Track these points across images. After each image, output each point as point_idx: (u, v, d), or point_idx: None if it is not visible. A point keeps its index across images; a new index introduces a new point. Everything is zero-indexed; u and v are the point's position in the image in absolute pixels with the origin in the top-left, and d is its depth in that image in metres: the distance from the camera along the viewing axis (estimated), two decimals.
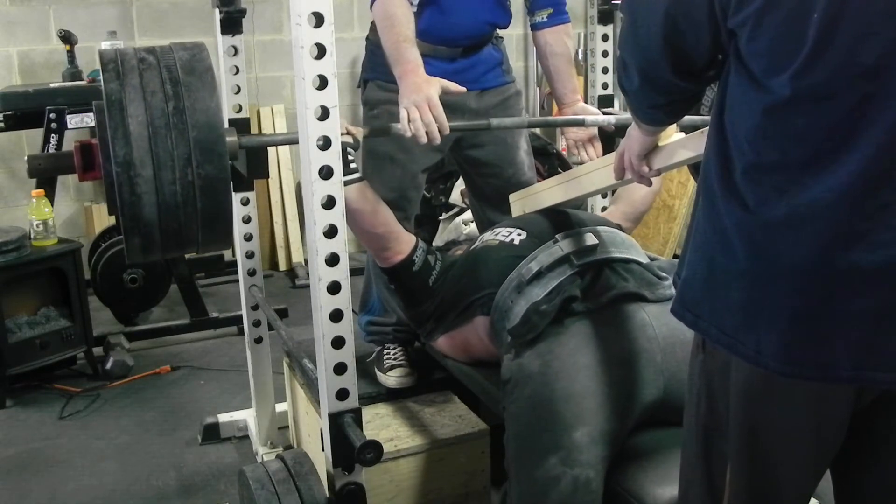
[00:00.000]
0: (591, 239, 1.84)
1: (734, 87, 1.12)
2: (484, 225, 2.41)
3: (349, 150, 1.83)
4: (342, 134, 1.79)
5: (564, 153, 4.68)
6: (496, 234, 1.99)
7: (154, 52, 1.67)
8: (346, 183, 1.80)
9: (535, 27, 2.29)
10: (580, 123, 2.16)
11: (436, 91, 1.81)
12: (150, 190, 1.58)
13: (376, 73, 2.20)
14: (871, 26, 0.96)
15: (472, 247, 2.03)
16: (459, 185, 4.33)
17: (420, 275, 1.98)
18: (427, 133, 1.79)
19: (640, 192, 2.17)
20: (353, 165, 1.85)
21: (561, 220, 1.99)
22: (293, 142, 1.69)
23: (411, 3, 2.03)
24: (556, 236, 1.86)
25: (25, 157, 1.83)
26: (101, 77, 1.62)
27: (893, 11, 0.95)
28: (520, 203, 2.20)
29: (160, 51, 1.68)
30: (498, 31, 2.29)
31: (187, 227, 1.65)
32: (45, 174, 1.72)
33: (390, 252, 1.97)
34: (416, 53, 1.91)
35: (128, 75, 1.61)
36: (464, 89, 1.92)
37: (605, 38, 2.57)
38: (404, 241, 1.98)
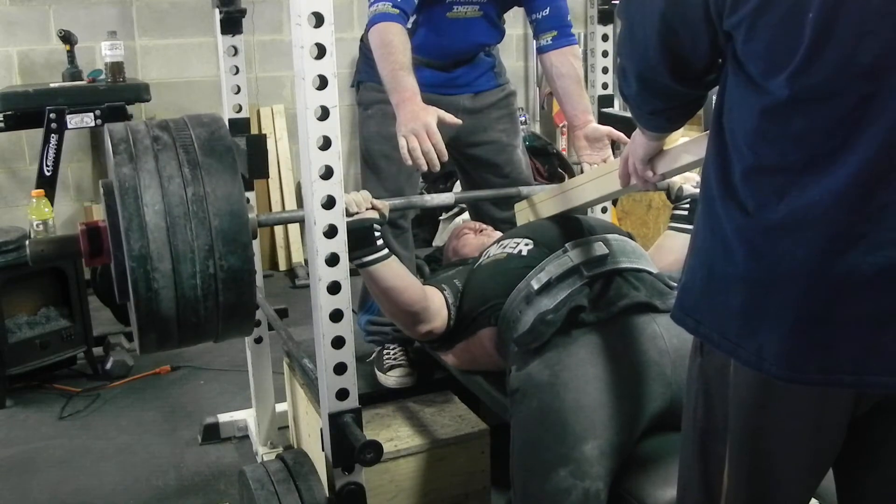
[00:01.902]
0: (601, 248, 1.82)
1: (732, 90, 1.11)
2: (482, 222, 2.42)
3: (376, 225, 1.80)
4: (367, 209, 1.80)
5: (564, 153, 4.69)
6: (503, 248, 1.95)
7: (168, 129, 1.55)
8: (376, 261, 1.79)
9: (541, 50, 2.29)
10: None
11: (433, 119, 1.84)
12: (168, 285, 1.46)
13: (370, 75, 2.22)
14: (868, 26, 0.95)
15: (479, 262, 2.00)
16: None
17: (454, 327, 1.94)
18: (427, 161, 1.81)
19: (668, 260, 2.04)
20: (379, 242, 1.81)
21: (570, 227, 1.96)
22: (299, 220, 1.63)
23: (405, 17, 2.03)
24: (566, 245, 1.84)
25: (26, 242, 1.74)
26: (111, 159, 1.50)
27: (889, 11, 0.94)
28: (525, 212, 2.20)
29: (174, 127, 1.56)
30: None
31: (207, 320, 1.53)
32: (48, 260, 1.62)
33: (425, 327, 1.91)
34: (412, 81, 1.92)
35: (141, 158, 1.48)
36: (459, 121, 1.94)
37: (605, 38, 2.58)
38: (436, 311, 1.91)
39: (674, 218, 2.07)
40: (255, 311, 1.63)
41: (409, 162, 1.83)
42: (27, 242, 1.71)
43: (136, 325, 1.52)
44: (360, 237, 1.74)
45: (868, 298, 1.02)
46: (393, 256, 1.85)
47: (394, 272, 1.84)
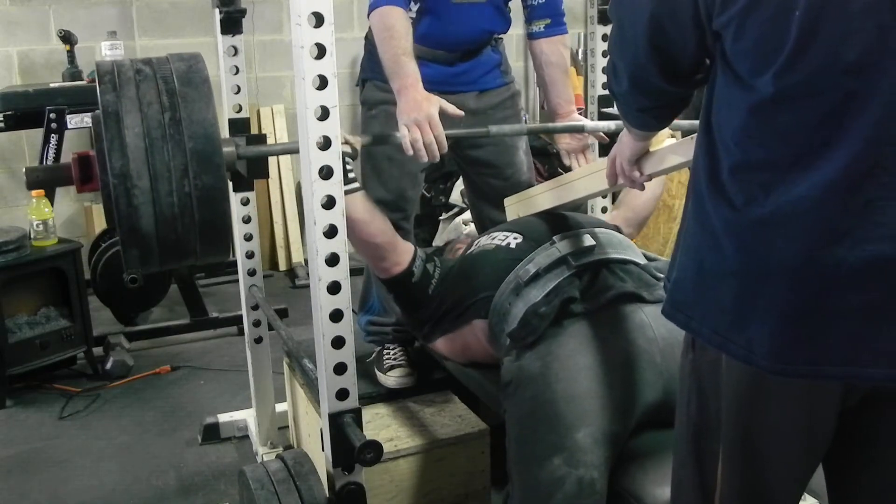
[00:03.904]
0: (588, 240, 1.84)
1: (721, 88, 1.13)
2: (483, 224, 2.41)
3: (347, 159, 1.82)
4: (341, 143, 1.80)
5: None
6: (493, 239, 1.98)
7: (150, 64, 1.67)
8: (346, 192, 1.81)
9: (532, 36, 2.29)
10: (580, 130, 2.15)
11: (435, 109, 1.84)
12: (147, 201, 1.58)
13: (375, 73, 2.20)
14: (853, 24, 0.96)
15: (469, 251, 2.02)
16: (459, 185, 4.34)
17: (419, 285, 1.97)
18: (428, 152, 1.82)
19: (642, 198, 2.14)
20: (351, 175, 1.84)
21: (558, 222, 1.98)
22: (292, 151, 1.68)
23: (409, 9, 2.02)
24: (554, 238, 1.86)
25: (24, 169, 1.83)
26: (97, 89, 1.62)
27: (874, 9, 0.96)
28: (514, 207, 2.21)
29: (157, 62, 1.67)
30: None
31: (185, 237, 1.64)
32: (43, 186, 1.72)
33: (388, 263, 1.95)
34: (414, 67, 1.91)
35: (124, 87, 1.60)
36: (461, 113, 1.93)
37: (605, 38, 2.57)
38: (402, 252, 1.96)
39: None
40: (230, 231, 1.74)
41: (410, 152, 1.83)
42: (24, 170, 1.81)
43: (121, 243, 1.64)
44: None
45: (855, 292, 1.03)
46: (363, 191, 1.90)
47: (362, 205, 1.88)
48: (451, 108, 1.88)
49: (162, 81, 1.62)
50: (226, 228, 1.71)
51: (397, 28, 1.93)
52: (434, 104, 1.84)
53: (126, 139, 1.56)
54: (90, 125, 3.56)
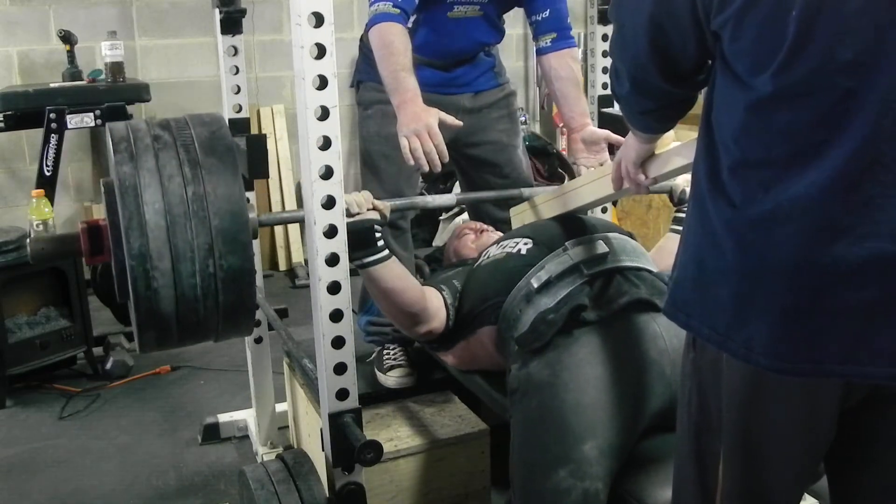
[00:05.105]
0: (601, 247, 1.82)
1: (720, 88, 1.13)
2: (482, 222, 2.42)
3: (376, 226, 1.80)
4: (368, 210, 1.79)
5: (564, 153, 4.69)
6: (503, 248, 1.95)
7: (169, 129, 1.55)
8: (376, 262, 1.79)
9: (540, 52, 2.29)
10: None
11: (434, 120, 1.85)
12: (167, 284, 1.46)
13: (370, 74, 2.22)
14: (849, 23, 0.97)
15: (479, 262, 2.00)
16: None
17: (454, 330, 1.95)
18: (428, 161, 1.83)
19: (669, 262, 2.08)
20: (380, 243, 1.80)
21: (569, 225, 1.96)
22: (299, 220, 1.64)
23: (406, 17, 2.03)
24: (567, 244, 1.84)
25: (27, 241, 1.75)
26: (112, 157, 1.50)
27: (870, 8, 0.96)
28: (520, 217, 2.21)
29: (175, 126, 1.56)
30: None
31: (207, 320, 1.53)
32: (49, 259, 1.61)
33: (423, 328, 1.91)
34: (414, 82, 1.93)
35: (142, 156, 1.48)
36: (460, 123, 1.95)
37: (605, 38, 2.58)
38: (435, 311, 1.91)
39: (676, 220, 2.08)
40: (255, 311, 1.63)
41: (411, 162, 1.84)
42: (28, 241, 1.72)
43: (136, 324, 1.52)
44: (361, 238, 1.74)
45: (854, 290, 1.03)
46: (393, 258, 1.85)
47: (394, 273, 1.84)
48: (450, 119, 1.90)
49: (183, 150, 1.50)
50: (252, 309, 1.59)
51: (396, 45, 1.95)
52: (433, 115, 1.86)
53: (146, 216, 1.44)
54: (90, 125, 3.57)
